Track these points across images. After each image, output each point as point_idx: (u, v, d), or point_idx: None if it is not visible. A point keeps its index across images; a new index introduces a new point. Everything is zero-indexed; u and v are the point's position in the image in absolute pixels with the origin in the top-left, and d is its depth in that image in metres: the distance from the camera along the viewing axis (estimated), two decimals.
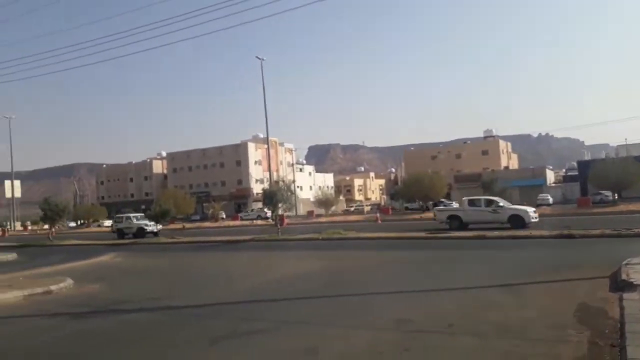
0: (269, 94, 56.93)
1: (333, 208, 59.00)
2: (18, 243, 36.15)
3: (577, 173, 65.96)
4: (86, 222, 74.59)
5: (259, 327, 7.37)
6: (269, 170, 64.91)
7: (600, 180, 41.42)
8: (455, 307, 7.94)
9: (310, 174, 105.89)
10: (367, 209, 71.51)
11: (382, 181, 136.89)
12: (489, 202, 25.76)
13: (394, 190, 71.84)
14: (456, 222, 25.58)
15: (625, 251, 11.69)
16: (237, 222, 55.98)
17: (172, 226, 44.37)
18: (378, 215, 44.56)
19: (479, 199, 26.85)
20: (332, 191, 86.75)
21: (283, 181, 35.82)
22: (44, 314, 9.54)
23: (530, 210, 25.06)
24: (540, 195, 59.20)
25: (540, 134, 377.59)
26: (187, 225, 50.18)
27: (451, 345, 6.00)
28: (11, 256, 24.96)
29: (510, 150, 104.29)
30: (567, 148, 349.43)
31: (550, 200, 57.38)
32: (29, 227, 76.29)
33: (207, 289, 11.93)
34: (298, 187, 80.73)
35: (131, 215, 37.84)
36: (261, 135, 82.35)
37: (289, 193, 31.61)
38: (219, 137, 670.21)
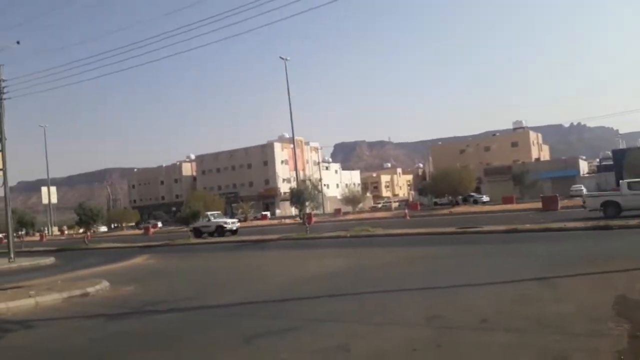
0: (293, 93, 57.26)
1: (360, 205, 58.75)
2: (56, 247, 37.36)
3: (611, 162, 64.01)
4: (119, 225, 76.50)
5: (291, 325, 7.40)
6: (296, 169, 65.22)
7: (637, 168, 40.04)
8: (488, 302, 7.79)
9: (336, 171, 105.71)
10: (395, 205, 70.89)
11: (409, 177, 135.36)
12: None
13: (421, 186, 71.20)
14: (613, 208, 22.92)
15: None
16: (266, 222, 56.42)
17: None
18: (406, 211, 44.24)
19: None
20: (359, 188, 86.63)
21: (310, 180, 35.91)
22: (82, 315, 9.78)
23: None
24: (574, 186, 57.69)
25: (572, 123, 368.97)
26: None
27: (485, 341, 5.86)
28: (49, 260, 25.84)
29: (541, 141, 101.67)
30: (600, 137, 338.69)
31: (584, 191, 55.80)
32: (66, 232, 78.85)
33: (239, 288, 12.04)
34: (325, 185, 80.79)
35: (208, 212, 36.72)
36: (287, 135, 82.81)
37: (316, 191, 31.70)
38: (245, 138, 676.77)
